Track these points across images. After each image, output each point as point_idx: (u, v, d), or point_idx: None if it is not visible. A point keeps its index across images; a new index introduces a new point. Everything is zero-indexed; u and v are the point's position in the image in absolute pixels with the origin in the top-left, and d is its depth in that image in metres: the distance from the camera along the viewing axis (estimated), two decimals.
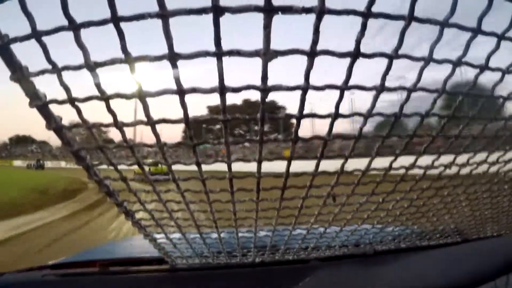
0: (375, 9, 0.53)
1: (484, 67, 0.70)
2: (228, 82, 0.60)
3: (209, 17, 0.49)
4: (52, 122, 0.69)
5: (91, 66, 0.57)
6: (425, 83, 0.70)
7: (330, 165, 0.93)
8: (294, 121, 0.72)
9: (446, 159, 1.05)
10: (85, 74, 0.59)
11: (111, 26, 0.51)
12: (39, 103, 0.64)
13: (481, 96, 0.79)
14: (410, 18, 0.56)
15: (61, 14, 0.51)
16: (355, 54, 0.59)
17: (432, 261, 1.42)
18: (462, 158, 1.06)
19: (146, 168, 0.93)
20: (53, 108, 0.68)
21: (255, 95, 0.63)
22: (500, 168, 1.24)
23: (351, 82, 0.65)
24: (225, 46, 0.54)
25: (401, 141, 0.91)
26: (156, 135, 0.74)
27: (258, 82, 0.61)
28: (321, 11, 0.50)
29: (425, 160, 1.03)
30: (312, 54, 0.57)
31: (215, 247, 1.61)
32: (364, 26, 0.56)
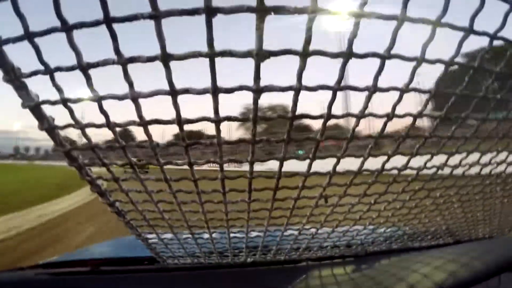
0: None
1: (476, 68, 0.70)
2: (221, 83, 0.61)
3: (202, 18, 0.50)
4: (45, 123, 0.69)
5: (84, 67, 0.57)
6: None
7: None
8: None
9: (438, 160, 1.06)
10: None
11: (104, 27, 0.51)
12: (32, 103, 0.64)
13: (474, 96, 0.80)
14: (402, 18, 0.56)
15: (54, 16, 0.51)
16: (348, 54, 0.59)
17: (424, 262, 1.42)
18: (454, 159, 1.07)
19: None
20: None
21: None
22: (492, 169, 1.24)
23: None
24: (218, 47, 0.54)
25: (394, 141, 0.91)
26: (149, 135, 0.74)
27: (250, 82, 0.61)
28: (313, 11, 0.51)
29: (418, 161, 1.03)
30: (304, 54, 0.57)
31: (207, 247, 1.61)
32: (356, 26, 0.56)
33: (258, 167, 0.92)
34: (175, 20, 0.53)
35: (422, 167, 1.07)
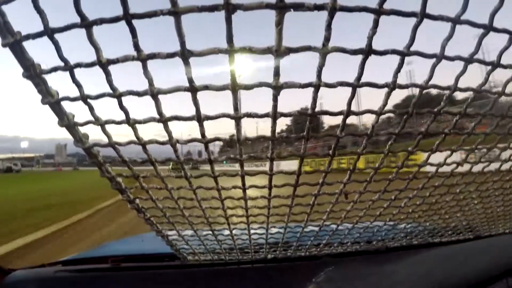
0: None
1: (496, 65, 0.69)
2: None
3: (222, 14, 0.50)
4: (65, 120, 0.69)
5: (104, 64, 0.57)
6: None
7: None
8: None
9: (458, 156, 1.05)
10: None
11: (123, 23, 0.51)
12: (52, 100, 0.65)
13: (493, 93, 0.79)
14: (422, 15, 0.56)
15: (73, 12, 0.51)
16: (367, 51, 0.58)
17: (444, 258, 1.41)
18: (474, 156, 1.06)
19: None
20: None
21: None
22: None
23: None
24: (237, 44, 0.54)
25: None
26: (169, 132, 0.74)
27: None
28: (333, 8, 0.50)
29: (438, 157, 1.02)
30: (324, 51, 0.57)
31: (227, 243, 1.61)
32: (376, 23, 0.56)
33: None
34: (192, 17, 0.53)
35: (442, 163, 1.06)
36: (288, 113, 0.72)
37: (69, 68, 0.59)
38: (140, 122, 0.71)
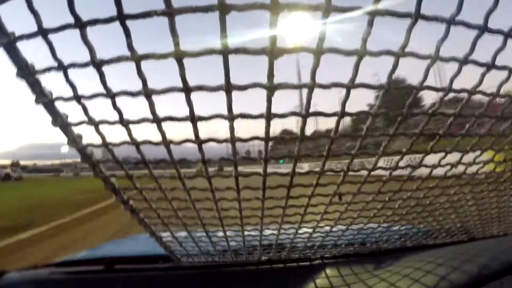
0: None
1: (490, 66, 0.69)
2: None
3: (216, 15, 0.49)
4: (58, 120, 0.69)
5: (97, 64, 0.57)
6: None
7: None
8: None
9: (452, 158, 1.05)
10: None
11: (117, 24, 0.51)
12: (45, 100, 0.65)
13: (488, 95, 0.79)
14: (417, 15, 0.56)
15: (67, 12, 0.51)
16: (362, 52, 0.58)
17: (438, 259, 1.41)
18: (468, 157, 1.06)
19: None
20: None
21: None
22: (506, 167, 1.23)
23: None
24: (231, 45, 0.54)
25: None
26: (162, 132, 0.74)
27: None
28: (327, 9, 0.50)
29: (432, 158, 1.02)
30: (318, 52, 0.57)
31: (221, 245, 1.61)
32: (370, 24, 0.56)
33: None
34: (187, 18, 0.53)
35: (436, 165, 1.06)
36: (282, 114, 0.72)
37: (63, 68, 0.59)
38: (133, 122, 0.70)
